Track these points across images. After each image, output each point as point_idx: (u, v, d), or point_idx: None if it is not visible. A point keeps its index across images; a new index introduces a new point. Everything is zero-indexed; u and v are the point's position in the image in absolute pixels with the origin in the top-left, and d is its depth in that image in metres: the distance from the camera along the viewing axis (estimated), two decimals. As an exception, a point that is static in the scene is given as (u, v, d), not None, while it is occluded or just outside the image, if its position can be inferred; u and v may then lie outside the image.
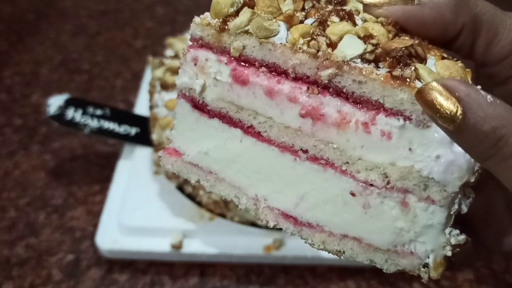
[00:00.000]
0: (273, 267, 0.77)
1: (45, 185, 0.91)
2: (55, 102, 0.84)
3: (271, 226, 0.41)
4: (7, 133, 1.03)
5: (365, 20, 0.37)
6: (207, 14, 0.38)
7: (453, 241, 0.34)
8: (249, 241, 0.75)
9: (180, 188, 0.82)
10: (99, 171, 0.94)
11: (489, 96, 0.28)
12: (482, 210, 0.43)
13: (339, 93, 0.34)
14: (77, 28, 1.40)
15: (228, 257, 0.75)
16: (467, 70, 0.35)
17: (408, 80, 0.31)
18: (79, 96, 1.09)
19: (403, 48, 0.32)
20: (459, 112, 0.27)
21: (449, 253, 0.34)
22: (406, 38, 0.35)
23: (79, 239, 0.81)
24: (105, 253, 0.76)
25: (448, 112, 0.27)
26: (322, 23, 0.35)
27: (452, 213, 0.34)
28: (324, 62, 0.33)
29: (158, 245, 0.75)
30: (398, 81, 0.31)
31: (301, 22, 0.37)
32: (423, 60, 0.34)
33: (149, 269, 0.77)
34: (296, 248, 0.74)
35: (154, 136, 0.78)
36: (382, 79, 0.32)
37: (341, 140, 0.35)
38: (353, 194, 0.36)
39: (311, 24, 0.36)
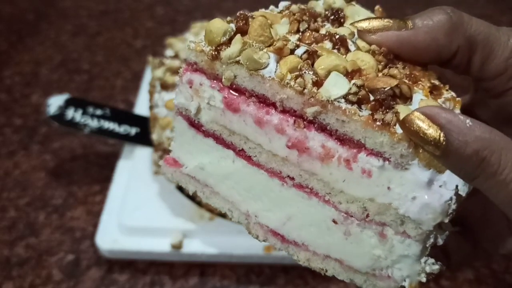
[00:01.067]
0: (273, 267, 0.77)
1: (45, 185, 0.91)
2: (55, 102, 0.84)
3: (261, 241, 0.43)
4: (7, 133, 1.03)
5: (357, 47, 0.37)
6: (202, 38, 0.38)
7: (427, 269, 0.36)
8: (249, 241, 0.74)
9: (180, 188, 0.82)
10: (99, 171, 0.94)
11: (468, 120, 0.29)
12: (479, 212, 0.44)
13: (323, 129, 0.35)
14: (77, 28, 1.40)
15: (228, 257, 0.75)
16: (457, 99, 0.36)
17: (388, 124, 0.32)
18: (79, 96, 1.09)
19: (387, 89, 0.33)
20: (442, 138, 0.29)
21: (424, 280, 0.36)
22: (395, 71, 0.35)
23: (79, 239, 0.81)
24: (105, 253, 0.76)
25: (432, 139, 0.29)
26: (312, 55, 0.35)
27: (427, 246, 0.36)
28: (310, 99, 0.34)
29: (158, 245, 0.75)
30: (379, 125, 0.32)
31: (292, 51, 0.36)
32: (407, 99, 0.34)
33: (149, 269, 0.77)
34: (296, 248, 0.74)
35: (154, 136, 0.78)
36: (364, 120, 0.33)
37: (325, 173, 0.36)
38: (335, 222, 0.38)
39: (301, 56, 0.36)
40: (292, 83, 0.34)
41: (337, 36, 0.37)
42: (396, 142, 0.32)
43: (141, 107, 0.97)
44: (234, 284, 0.75)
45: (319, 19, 0.40)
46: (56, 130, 1.02)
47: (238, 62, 0.36)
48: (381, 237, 0.36)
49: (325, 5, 0.42)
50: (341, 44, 0.37)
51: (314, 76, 0.34)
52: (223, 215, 0.78)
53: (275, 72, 0.35)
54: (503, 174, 0.29)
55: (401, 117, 0.32)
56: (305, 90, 0.34)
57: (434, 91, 0.36)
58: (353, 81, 0.34)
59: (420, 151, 0.32)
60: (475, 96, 0.43)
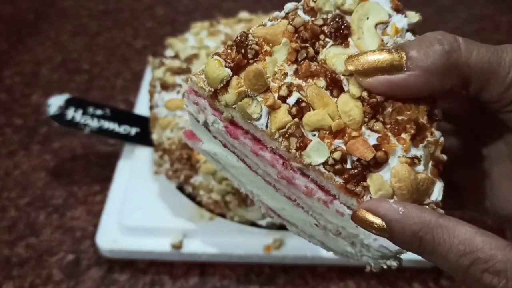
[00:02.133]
0: (273, 267, 0.78)
1: (45, 185, 0.91)
2: (55, 102, 0.84)
3: (262, 213, 0.50)
4: (7, 133, 1.03)
5: (349, 92, 0.38)
6: (202, 71, 0.39)
7: (388, 264, 0.41)
8: (249, 241, 0.75)
9: (180, 188, 0.82)
10: (99, 171, 0.94)
11: (400, 208, 0.34)
12: (468, 180, 0.46)
13: (307, 176, 0.39)
14: (77, 28, 1.40)
15: (228, 257, 0.75)
16: (439, 142, 0.38)
17: (358, 195, 0.36)
18: (79, 96, 1.09)
19: (362, 161, 0.36)
20: (385, 226, 0.34)
21: (385, 267, 0.42)
22: (379, 126, 0.37)
23: (79, 239, 0.81)
24: (105, 253, 0.76)
25: (377, 227, 0.34)
26: (301, 110, 0.37)
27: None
28: (294, 157, 0.38)
29: (158, 245, 0.75)
30: (349, 193, 0.37)
31: (284, 99, 0.38)
32: (382, 164, 0.37)
33: (149, 269, 0.77)
34: (296, 248, 0.74)
35: (154, 136, 0.78)
36: (338, 185, 0.37)
37: (308, 201, 0.41)
38: (316, 225, 0.44)
39: (291, 109, 0.37)
40: (280, 139, 0.38)
41: (331, 76, 0.38)
42: None
43: (141, 107, 0.97)
44: (234, 284, 0.76)
45: (321, 37, 0.40)
46: (56, 130, 1.02)
47: (234, 108, 0.39)
48: (353, 245, 0.42)
49: (334, 6, 0.40)
50: (334, 85, 0.38)
51: (298, 141, 0.37)
52: (223, 215, 0.78)
53: (266, 126, 0.38)
54: (439, 249, 0.33)
55: (370, 189, 0.36)
56: (291, 151, 0.37)
57: (418, 136, 0.37)
58: (333, 154, 0.37)
59: None
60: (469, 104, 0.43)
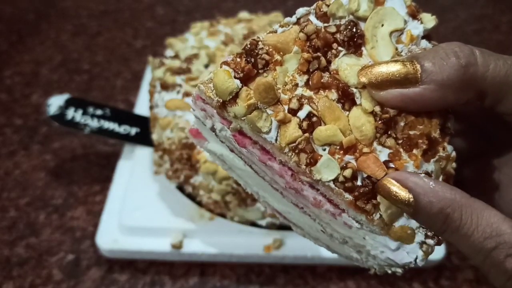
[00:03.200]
0: (273, 267, 0.78)
1: (45, 185, 0.91)
2: (55, 102, 0.84)
3: (268, 213, 0.49)
4: (7, 133, 1.03)
5: (361, 106, 0.37)
6: (210, 79, 0.38)
7: (393, 270, 0.41)
8: (249, 241, 0.75)
9: (180, 188, 0.82)
10: (99, 171, 0.94)
11: (431, 182, 0.33)
12: (477, 180, 0.46)
13: (316, 189, 0.39)
14: (77, 28, 1.40)
15: (228, 257, 0.75)
16: (451, 157, 0.38)
17: (367, 212, 0.36)
18: (79, 96, 1.09)
19: (373, 179, 0.36)
20: (411, 199, 0.34)
21: (390, 272, 0.42)
22: (391, 142, 0.37)
23: (79, 239, 0.81)
24: (105, 253, 0.76)
25: (403, 200, 0.34)
26: (312, 125, 0.37)
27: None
28: (304, 172, 0.37)
29: (158, 245, 0.75)
30: (359, 210, 0.36)
31: (295, 113, 0.37)
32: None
33: (149, 269, 0.77)
34: (296, 248, 0.74)
35: (154, 136, 0.78)
36: (347, 201, 0.37)
37: (316, 211, 0.41)
38: (323, 231, 0.43)
39: (301, 122, 0.37)
40: (290, 154, 0.37)
41: (343, 89, 0.37)
42: (373, 224, 0.37)
43: (141, 107, 0.97)
44: (234, 284, 0.76)
45: (334, 45, 0.38)
46: (56, 130, 1.02)
47: (243, 120, 0.37)
48: (359, 253, 0.42)
49: (347, 11, 0.39)
50: (345, 98, 0.37)
51: (308, 157, 0.36)
52: (223, 215, 0.78)
53: (276, 140, 0.37)
54: (465, 229, 0.33)
55: (380, 207, 0.36)
56: (301, 166, 0.37)
57: (429, 151, 0.37)
58: (343, 171, 0.36)
59: (393, 231, 0.37)
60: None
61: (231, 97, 0.36)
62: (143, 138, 0.87)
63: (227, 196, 0.75)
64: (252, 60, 0.37)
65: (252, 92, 0.37)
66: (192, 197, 0.81)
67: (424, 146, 0.37)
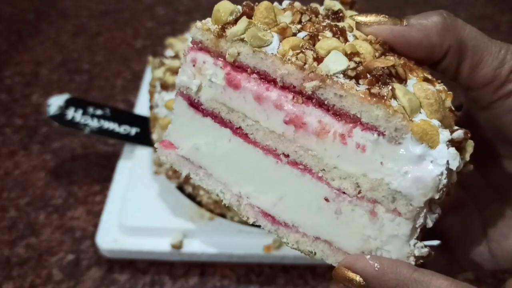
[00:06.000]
0: (273, 267, 0.78)
1: (45, 185, 0.91)
2: (55, 102, 0.84)
3: (251, 223, 0.44)
4: (7, 133, 1.03)
5: (356, 38, 0.39)
6: (208, 19, 0.40)
7: (416, 252, 0.37)
8: (249, 241, 0.75)
9: (180, 188, 0.82)
10: (99, 171, 0.94)
11: (376, 264, 0.35)
12: (459, 230, 0.47)
13: (321, 104, 0.37)
14: (77, 28, 1.40)
15: (228, 257, 0.75)
16: (448, 92, 0.38)
17: (384, 98, 0.34)
18: (79, 96, 1.09)
19: (384, 68, 0.35)
20: (363, 282, 0.35)
21: (413, 263, 0.37)
22: (391, 58, 0.37)
23: (79, 239, 0.81)
24: (105, 253, 0.76)
25: (358, 284, 0.36)
26: (313, 38, 0.38)
27: (417, 226, 0.37)
28: (309, 74, 0.36)
29: (158, 245, 0.75)
30: (375, 99, 0.34)
31: (294, 35, 0.39)
32: (402, 81, 0.36)
33: (149, 269, 0.77)
34: (296, 248, 0.74)
35: (154, 136, 0.78)
36: (360, 95, 0.34)
37: (320, 148, 0.38)
38: (326, 200, 0.39)
39: (303, 38, 0.38)
40: (293, 59, 0.37)
41: (336, 27, 0.39)
42: (391, 115, 0.34)
43: (141, 107, 0.97)
44: (234, 284, 0.76)
45: (320, 16, 0.42)
46: (56, 130, 1.02)
47: (242, 40, 0.38)
48: (372, 216, 0.38)
49: (326, 7, 0.44)
50: (340, 33, 0.39)
51: (314, 53, 0.36)
52: (223, 215, 0.78)
53: (278, 49, 0.38)
54: None
55: (396, 93, 0.34)
56: (306, 66, 0.36)
57: (427, 81, 0.38)
58: (352, 59, 0.36)
59: (415, 124, 0.34)
60: (466, 110, 0.44)
61: (232, 17, 0.39)
62: (143, 138, 0.87)
63: (227, 196, 0.75)
64: (250, 7, 0.40)
65: (251, 19, 0.39)
66: (192, 197, 0.81)
67: (422, 75, 0.38)
